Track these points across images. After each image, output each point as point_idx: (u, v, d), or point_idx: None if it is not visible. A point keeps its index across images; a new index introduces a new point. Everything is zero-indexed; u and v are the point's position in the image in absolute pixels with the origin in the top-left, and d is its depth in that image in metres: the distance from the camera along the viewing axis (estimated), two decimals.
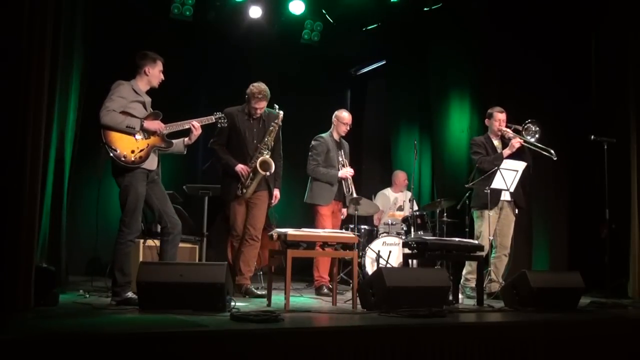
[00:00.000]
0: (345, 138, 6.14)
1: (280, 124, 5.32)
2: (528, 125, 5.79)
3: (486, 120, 6.07)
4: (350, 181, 5.86)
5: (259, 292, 5.09)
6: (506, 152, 5.78)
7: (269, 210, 5.56)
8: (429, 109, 7.99)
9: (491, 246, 5.70)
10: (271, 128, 5.29)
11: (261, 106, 5.26)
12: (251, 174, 5.21)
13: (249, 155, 5.27)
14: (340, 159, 5.91)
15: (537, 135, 5.75)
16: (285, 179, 5.69)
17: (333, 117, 6.04)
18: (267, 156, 5.21)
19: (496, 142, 5.98)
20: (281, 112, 5.30)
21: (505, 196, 5.76)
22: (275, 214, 6.48)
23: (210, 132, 5.36)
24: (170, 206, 4.59)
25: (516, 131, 5.86)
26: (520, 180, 5.68)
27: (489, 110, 6.06)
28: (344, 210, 6.09)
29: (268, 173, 5.19)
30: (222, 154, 5.34)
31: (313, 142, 5.94)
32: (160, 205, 4.52)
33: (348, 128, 6.01)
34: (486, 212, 5.71)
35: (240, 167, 5.21)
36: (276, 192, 5.46)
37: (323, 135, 5.97)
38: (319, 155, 5.85)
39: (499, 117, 5.93)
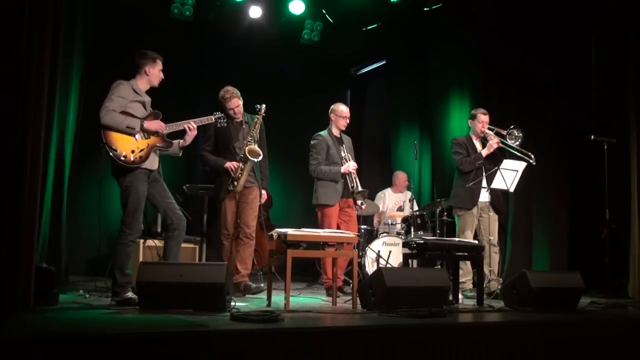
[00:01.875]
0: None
1: (264, 114, 5.37)
2: (511, 130, 5.86)
3: (469, 121, 6.14)
4: (354, 175, 5.67)
5: (254, 286, 5.09)
6: (485, 152, 5.86)
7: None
8: (429, 109, 8.00)
9: None
10: (255, 120, 5.38)
11: (235, 104, 5.37)
12: (241, 165, 5.29)
13: (236, 154, 5.37)
14: (343, 154, 5.74)
15: (519, 141, 5.82)
16: (285, 179, 5.72)
17: (330, 112, 5.86)
18: (255, 146, 5.30)
19: (477, 144, 6.03)
20: (264, 105, 5.35)
21: (483, 197, 5.82)
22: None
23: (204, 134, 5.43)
24: (173, 202, 4.60)
25: (499, 134, 5.90)
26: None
27: (473, 112, 6.14)
28: (363, 206, 6.00)
29: (257, 159, 5.26)
30: (210, 157, 5.45)
31: (312, 142, 5.79)
32: (163, 203, 4.53)
33: (347, 121, 5.85)
34: (466, 212, 5.81)
35: (228, 163, 5.31)
36: (263, 192, 5.53)
37: (321, 133, 5.82)
38: (318, 154, 5.70)
39: (482, 119, 6.00)
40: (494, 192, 5.80)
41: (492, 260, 5.81)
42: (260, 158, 5.30)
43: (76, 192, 5.80)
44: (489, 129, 5.98)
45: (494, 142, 5.83)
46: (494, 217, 5.92)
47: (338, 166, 5.69)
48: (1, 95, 3.65)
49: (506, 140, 5.85)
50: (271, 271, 4.71)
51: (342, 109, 5.85)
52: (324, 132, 5.85)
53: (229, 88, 5.40)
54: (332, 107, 5.89)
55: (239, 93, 5.40)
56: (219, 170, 5.40)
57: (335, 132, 5.86)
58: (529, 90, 6.71)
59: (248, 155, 5.24)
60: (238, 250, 5.36)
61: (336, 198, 5.66)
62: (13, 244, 3.57)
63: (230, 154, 5.39)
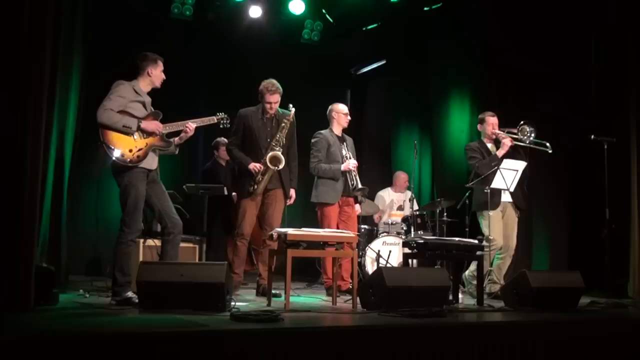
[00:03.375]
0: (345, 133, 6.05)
1: (293, 120, 5.33)
2: (522, 126, 5.80)
3: (479, 126, 6.08)
4: (354, 173, 5.64)
5: (275, 292, 4.98)
6: (500, 152, 5.79)
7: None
8: (429, 109, 8.00)
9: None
10: (282, 125, 5.29)
11: (275, 100, 5.28)
12: (262, 170, 5.21)
13: (262, 153, 5.26)
14: (344, 153, 5.70)
15: (532, 135, 5.76)
16: None
17: (329, 113, 5.85)
18: (278, 152, 5.21)
19: (490, 146, 5.99)
20: (293, 109, 5.30)
21: (506, 197, 5.77)
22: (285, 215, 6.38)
23: (220, 131, 5.38)
24: (170, 205, 4.58)
25: (510, 133, 5.88)
26: (518, 182, 5.69)
27: (481, 116, 6.08)
28: (357, 207, 5.92)
29: (278, 168, 5.18)
30: (237, 153, 5.37)
31: (312, 140, 5.77)
32: (160, 205, 4.51)
33: (349, 118, 5.85)
34: (490, 212, 5.73)
35: (252, 165, 5.22)
36: (292, 192, 5.46)
37: (322, 131, 5.80)
38: (319, 152, 5.68)
39: (492, 121, 5.95)
40: (514, 191, 5.69)
41: (504, 264, 5.78)
42: (282, 166, 5.20)
43: (76, 192, 5.79)
44: (499, 129, 5.95)
45: (507, 141, 5.76)
46: (513, 219, 5.82)
47: (338, 164, 5.66)
48: (1, 95, 3.65)
49: (519, 137, 5.81)
50: (271, 271, 4.71)
51: (341, 107, 5.87)
52: (324, 131, 5.82)
53: (274, 81, 5.30)
54: (330, 107, 5.89)
55: (282, 90, 5.30)
56: (242, 169, 5.32)
57: (337, 131, 5.84)
58: (529, 90, 6.71)
59: (269, 164, 5.15)
60: (261, 252, 5.37)
61: (336, 197, 5.63)
62: (13, 243, 3.57)
63: (255, 150, 5.28)
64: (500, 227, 5.75)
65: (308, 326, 3.40)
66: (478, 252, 5.03)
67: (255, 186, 5.22)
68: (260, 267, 5.38)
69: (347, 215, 5.74)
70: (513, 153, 5.80)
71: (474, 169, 5.87)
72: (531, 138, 5.75)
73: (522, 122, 5.81)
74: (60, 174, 5.09)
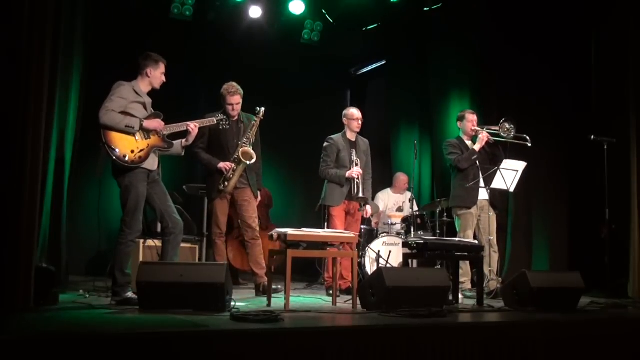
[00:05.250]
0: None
1: (262, 117, 5.38)
2: (503, 124, 5.93)
3: (458, 123, 6.23)
4: (358, 180, 5.69)
5: (276, 287, 4.97)
6: (477, 146, 5.93)
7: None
8: (429, 109, 7.99)
9: None
10: (253, 123, 5.39)
11: (236, 101, 5.36)
12: (233, 166, 5.28)
13: (230, 154, 5.35)
14: (353, 158, 5.78)
15: (512, 133, 5.88)
16: (284, 178, 5.70)
17: (343, 117, 5.95)
18: (249, 148, 5.31)
19: (469, 144, 6.10)
20: (263, 108, 5.36)
21: (483, 195, 5.87)
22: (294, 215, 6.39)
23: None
24: (171, 205, 4.60)
25: (490, 130, 5.98)
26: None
27: (460, 113, 6.24)
28: (368, 209, 5.99)
29: (250, 162, 5.26)
30: (204, 156, 5.44)
31: (324, 144, 5.88)
32: (161, 205, 4.52)
33: (360, 123, 5.92)
34: (466, 212, 5.87)
35: (222, 164, 5.30)
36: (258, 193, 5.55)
37: (333, 136, 5.90)
38: (328, 157, 5.80)
39: (471, 118, 6.11)
40: (492, 190, 5.85)
41: (492, 260, 5.84)
42: (254, 161, 5.30)
43: (76, 192, 5.79)
44: (478, 126, 6.04)
45: (484, 136, 5.92)
46: (492, 217, 5.95)
47: (345, 170, 5.75)
48: (1, 95, 3.65)
49: (499, 133, 5.90)
50: (271, 271, 4.71)
51: (352, 112, 5.97)
52: (336, 135, 5.91)
53: (234, 84, 5.39)
54: (344, 112, 6.00)
55: (242, 91, 5.40)
56: (211, 170, 5.40)
57: (350, 135, 5.92)
58: (529, 90, 6.71)
59: (241, 158, 5.23)
60: (248, 253, 5.45)
61: (340, 199, 5.73)
62: (13, 244, 3.57)
63: (223, 154, 5.38)
64: (472, 229, 5.91)
65: (308, 326, 3.40)
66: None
67: (226, 183, 5.27)
68: (253, 267, 5.40)
69: (351, 217, 5.85)
70: (492, 149, 5.95)
71: (454, 164, 5.97)
72: (511, 135, 5.86)
73: (502, 120, 5.93)
74: (60, 174, 5.09)
